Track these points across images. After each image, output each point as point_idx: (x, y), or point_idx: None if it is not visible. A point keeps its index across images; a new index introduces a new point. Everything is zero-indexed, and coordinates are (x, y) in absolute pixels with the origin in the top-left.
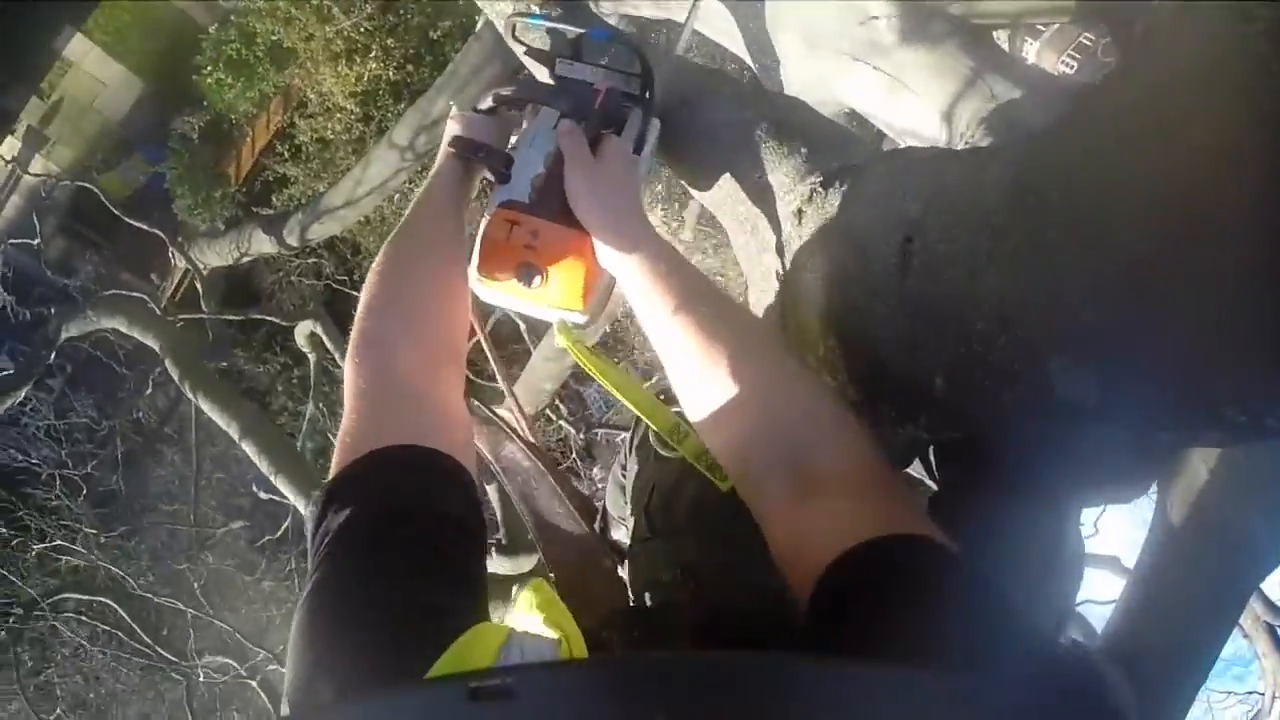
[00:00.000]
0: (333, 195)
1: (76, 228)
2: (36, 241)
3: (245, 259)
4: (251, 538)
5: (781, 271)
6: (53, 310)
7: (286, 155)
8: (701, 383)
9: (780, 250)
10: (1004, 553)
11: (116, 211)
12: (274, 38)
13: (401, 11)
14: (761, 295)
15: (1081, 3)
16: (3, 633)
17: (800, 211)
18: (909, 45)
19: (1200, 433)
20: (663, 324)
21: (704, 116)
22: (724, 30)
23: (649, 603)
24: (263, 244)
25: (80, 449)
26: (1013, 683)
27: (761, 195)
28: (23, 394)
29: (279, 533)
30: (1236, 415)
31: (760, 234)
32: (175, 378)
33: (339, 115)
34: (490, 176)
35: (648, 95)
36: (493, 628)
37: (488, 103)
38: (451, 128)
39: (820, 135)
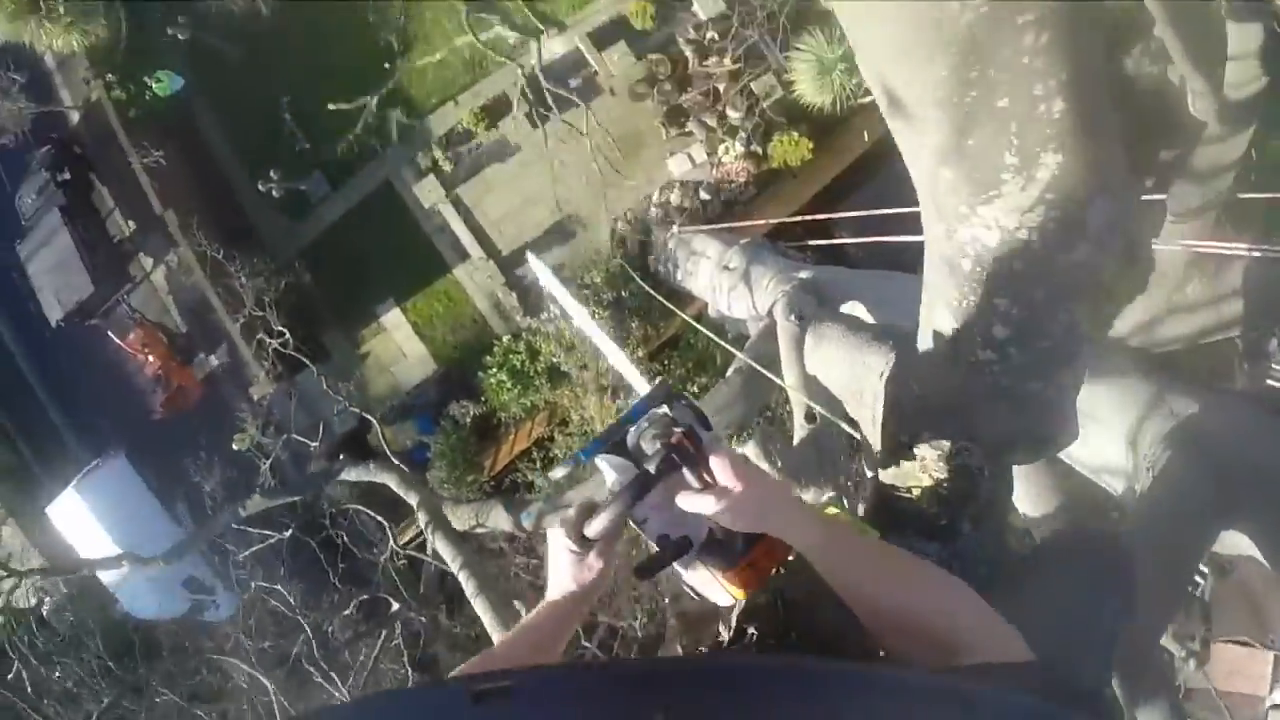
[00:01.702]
0: (574, 494)
1: (342, 452)
2: (315, 445)
3: (479, 529)
4: None
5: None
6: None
7: (539, 465)
8: (888, 604)
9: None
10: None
11: (388, 453)
12: (554, 360)
13: (667, 362)
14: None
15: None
16: None
17: (882, 374)
18: (1094, 380)
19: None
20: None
21: (828, 317)
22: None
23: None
24: (500, 521)
25: (263, 625)
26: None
27: (863, 374)
28: (267, 503)
29: None
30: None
31: (863, 399)
32: (422, 525)
33: None
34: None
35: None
36: None
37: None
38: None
39: (899, 333)
